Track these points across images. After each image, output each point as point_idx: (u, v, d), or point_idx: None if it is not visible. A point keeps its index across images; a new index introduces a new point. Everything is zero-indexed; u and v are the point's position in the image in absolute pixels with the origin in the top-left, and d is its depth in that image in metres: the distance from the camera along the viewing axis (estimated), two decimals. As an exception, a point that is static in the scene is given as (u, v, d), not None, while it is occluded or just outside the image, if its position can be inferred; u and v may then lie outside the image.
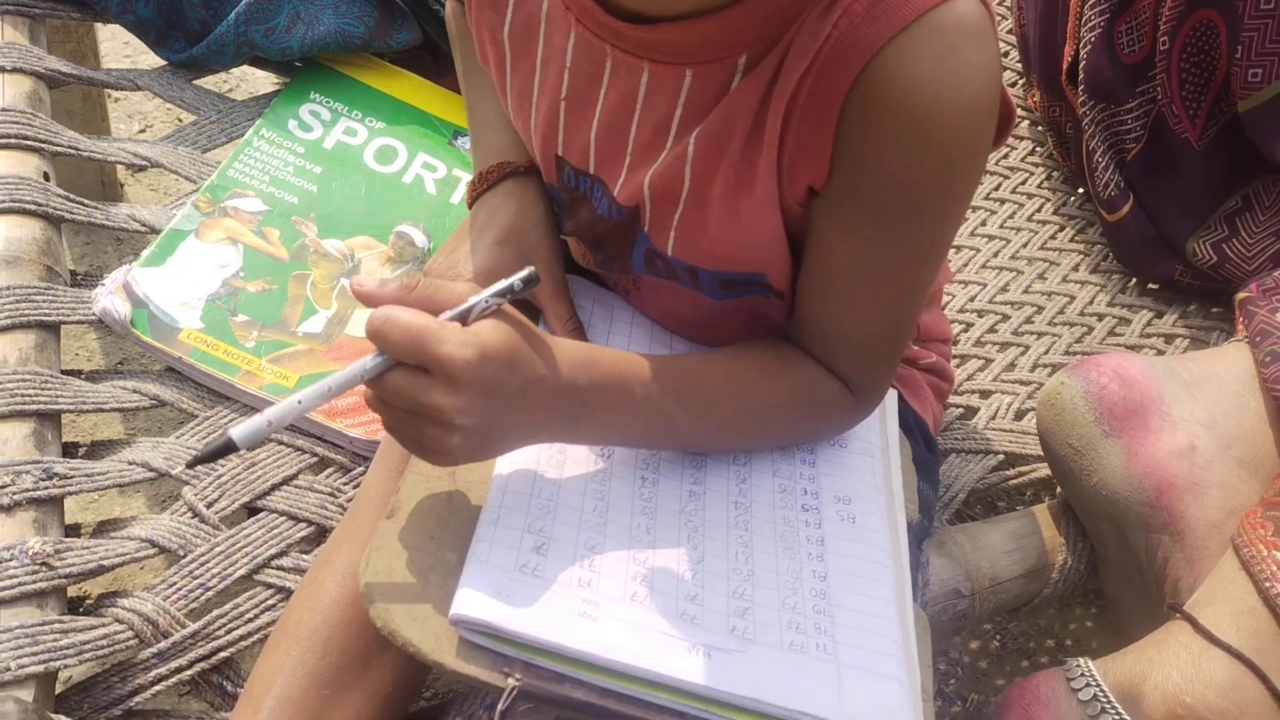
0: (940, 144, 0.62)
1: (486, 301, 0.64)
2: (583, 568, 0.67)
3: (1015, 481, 0.98)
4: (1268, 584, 0.71)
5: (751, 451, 0.78)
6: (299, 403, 0.61)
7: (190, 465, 0.64)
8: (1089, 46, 1.14)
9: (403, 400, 0.61)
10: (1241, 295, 0.89)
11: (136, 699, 0.79)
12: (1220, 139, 1.09)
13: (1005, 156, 1.34)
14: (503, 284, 0.65)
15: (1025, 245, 1.25)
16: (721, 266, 0.74)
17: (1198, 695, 0.70)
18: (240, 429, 0.61)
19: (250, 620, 0.83)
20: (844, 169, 0.64)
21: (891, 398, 0.83)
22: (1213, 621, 0.73)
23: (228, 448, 0.61)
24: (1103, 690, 0.74)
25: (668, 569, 0.68)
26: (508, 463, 0.72)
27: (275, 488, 0.90)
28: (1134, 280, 1.20)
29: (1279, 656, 0.70)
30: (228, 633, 0.82)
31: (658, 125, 0.70)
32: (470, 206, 0.85)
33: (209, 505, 0.88)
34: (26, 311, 0.89)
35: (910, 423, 0.86)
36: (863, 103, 0.61)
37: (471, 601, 0.62)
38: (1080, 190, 1.30)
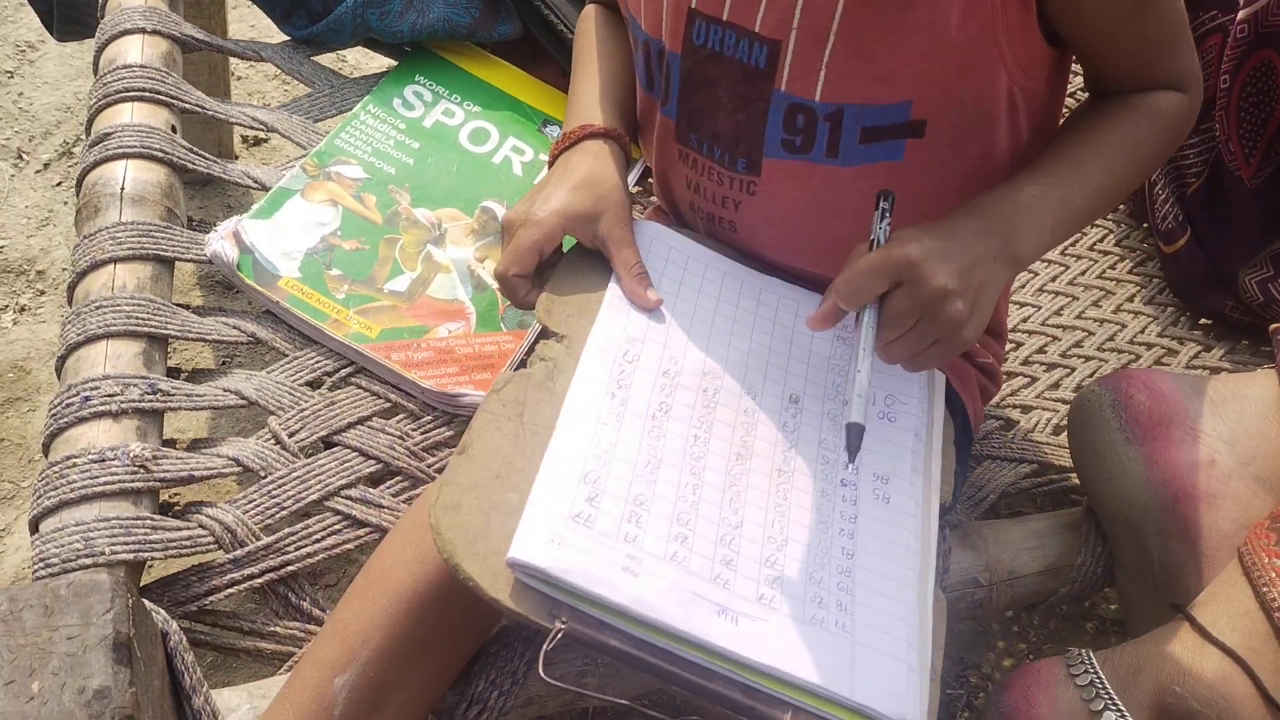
0: None
1: (876, 236, 0.76)
2: (630, 522, 0.72)
3: (1045, 489, 1.02)
4: (1265, 589, 0.75)
5: (1133, 189, 0.87)
6: (868, 385, 0.73)
7: (851, 458, 0.73)
8: (1157, 82, 1.17)
9: (909, 309, 0.72)
10: (1276, 325, 0.92)
11: (210, 599, 0.87)
12: (1274, 180, 1.12)
13: (1073, 187, 1.38)
14: (876, 221, 0.77)
15: (1084, 273, 1.28)
16: (871, 98, 0.79)
17: (1188, 686, 0.74)
18: (851, 411, 0.72)
19: (318, 541, 0.91)
20: None
21: (940, 380, 0.88)
22: (1210, 621, 0.76)
23: (858, 430, 0.72)
24: (1099, 678, 0.78)
25: (707, 531, 0.73)
26: (570, 412, 0.77)
27: (350, 426, 0.98)
28: (1186, 314, 1.23)
29: (1270, 657, 0.73)
30: (296, 549, 0.90)
31: None
32: (550, 165, 0.92)
33: (290, 435, 0.96)
34: (147, 245, 0.99)
35: (956, 406, 0.91)
36: None
37: (527, 547, 0.68)
38: (1144, 225, 1.34)
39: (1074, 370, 1.17)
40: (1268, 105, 1.10)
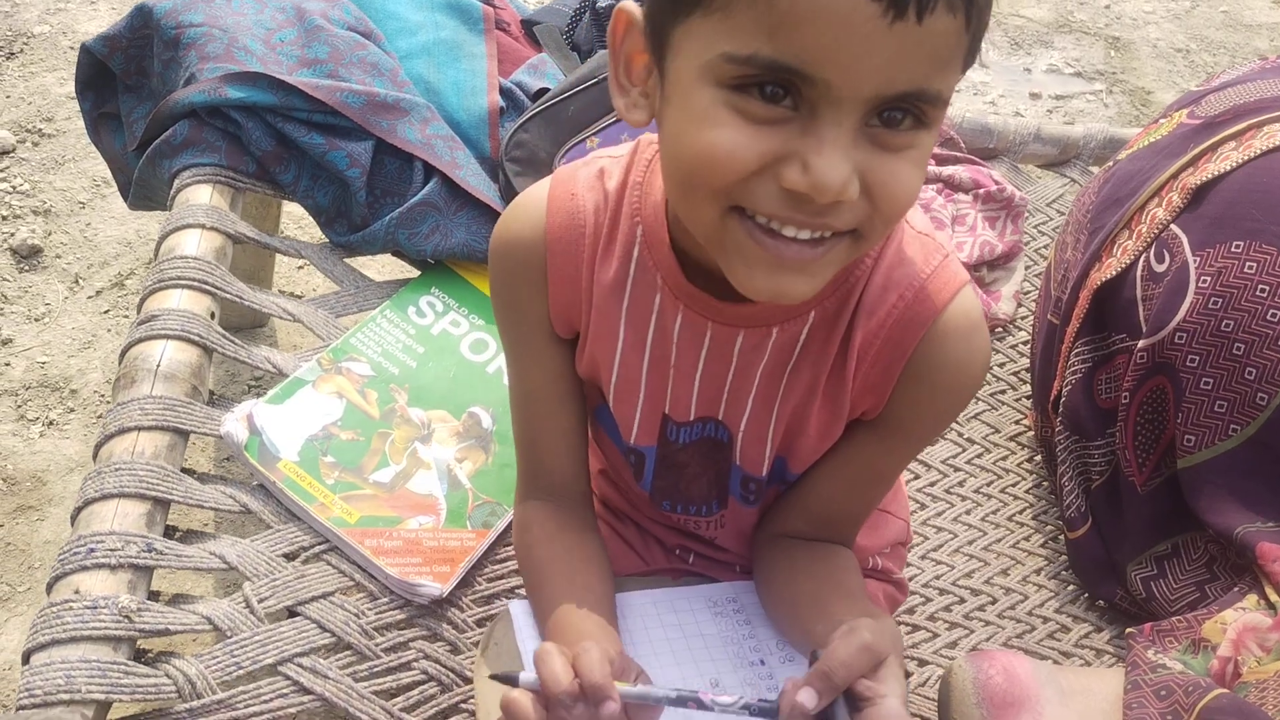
0: (964, 390, 0.89)
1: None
2: None
3: (922, 744, 1.13)
4: None
5: None
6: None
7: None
8: (1070, 386, 1.33)
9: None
10: (1132, 630, 1.05)
11: (163, 742, 0.99)
12: (1164, 489, 1.26)
13: (1005, 458, 1.52)
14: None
15: (999, 540, 1.41)
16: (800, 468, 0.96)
17: None
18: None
19: (266, 702, 1.03)
20: (895, 405, 0.89)
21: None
22: None
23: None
24: None
25: None
26: None
27: (314, 599, 1.12)
28: (1085, 594, 1.36)
29: None
30: (245, 708, 1.02)
31: (763, 369, 0.89)
32: None
33: (260, 601, 1.09)
34: (169, 418, 1.15)
35: None
36: (919, 360, 0.85)
37: None
38: (1064, 503, 1.47)
39: (973, 632, 1.29)
40: (1159, 424, 1.25)
